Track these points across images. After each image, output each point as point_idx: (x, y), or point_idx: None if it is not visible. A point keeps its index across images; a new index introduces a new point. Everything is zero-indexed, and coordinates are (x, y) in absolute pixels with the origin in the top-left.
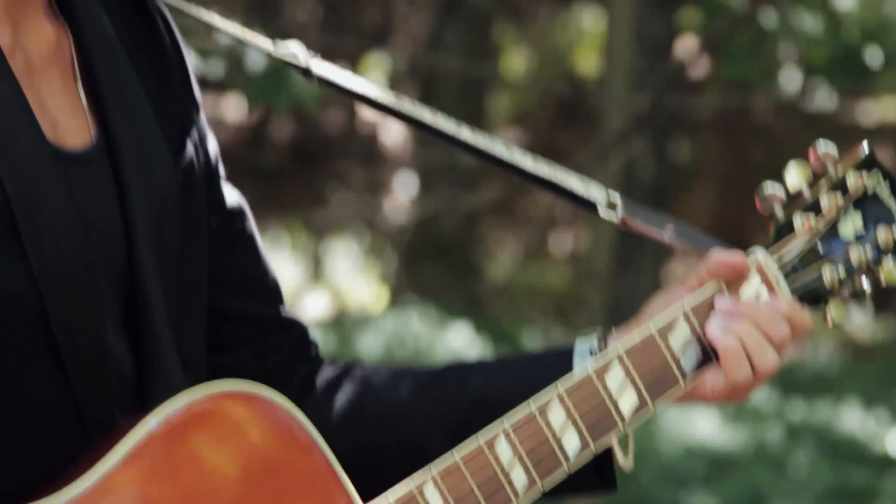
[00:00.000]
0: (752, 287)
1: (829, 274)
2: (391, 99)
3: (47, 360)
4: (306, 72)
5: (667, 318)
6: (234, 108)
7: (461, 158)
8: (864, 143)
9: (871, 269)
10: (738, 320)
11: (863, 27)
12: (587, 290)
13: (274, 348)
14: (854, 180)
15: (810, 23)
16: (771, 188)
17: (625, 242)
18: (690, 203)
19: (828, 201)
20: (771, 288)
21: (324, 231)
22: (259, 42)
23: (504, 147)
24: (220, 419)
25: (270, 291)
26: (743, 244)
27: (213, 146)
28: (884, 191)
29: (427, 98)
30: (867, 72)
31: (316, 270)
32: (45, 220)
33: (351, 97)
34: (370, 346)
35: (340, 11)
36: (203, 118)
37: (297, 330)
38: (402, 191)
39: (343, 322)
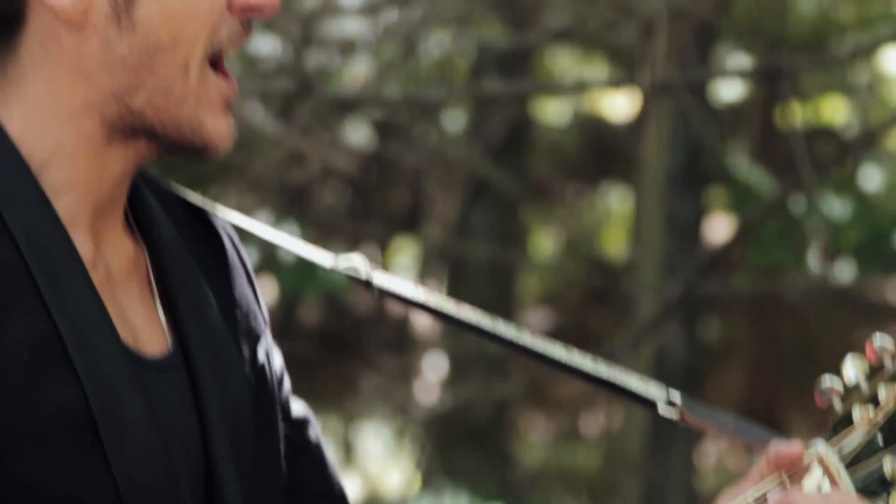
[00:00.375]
0: (814, 479)
1: (891, 464)
2: (452, 307)
3: None
4: (367, 284)
5: None
6: (264, 294)
7: (491, 345)
8: None
9: None
10: None
11: (890, 211)
12: (620, 474)
13: None
14: None
15: (839, 207)
16: (829, 382)
17: (656, 426)
18: (721, 382)
19: (886, 393)
20: (833, 479)
21: (354, 416)
22: (320, 256)
23: (566, 352)
24: None
25: (337, 498)
26: (774, 421)
27: (278, 359)
28: None
29: (456, 281)
30: (893, 254)
31: (347, 455)
32: (127, 428)
33: (413, 307)
34: None
35: (369, 195)
36: (269, 333)
37: None
38: (433, 374)
39: None
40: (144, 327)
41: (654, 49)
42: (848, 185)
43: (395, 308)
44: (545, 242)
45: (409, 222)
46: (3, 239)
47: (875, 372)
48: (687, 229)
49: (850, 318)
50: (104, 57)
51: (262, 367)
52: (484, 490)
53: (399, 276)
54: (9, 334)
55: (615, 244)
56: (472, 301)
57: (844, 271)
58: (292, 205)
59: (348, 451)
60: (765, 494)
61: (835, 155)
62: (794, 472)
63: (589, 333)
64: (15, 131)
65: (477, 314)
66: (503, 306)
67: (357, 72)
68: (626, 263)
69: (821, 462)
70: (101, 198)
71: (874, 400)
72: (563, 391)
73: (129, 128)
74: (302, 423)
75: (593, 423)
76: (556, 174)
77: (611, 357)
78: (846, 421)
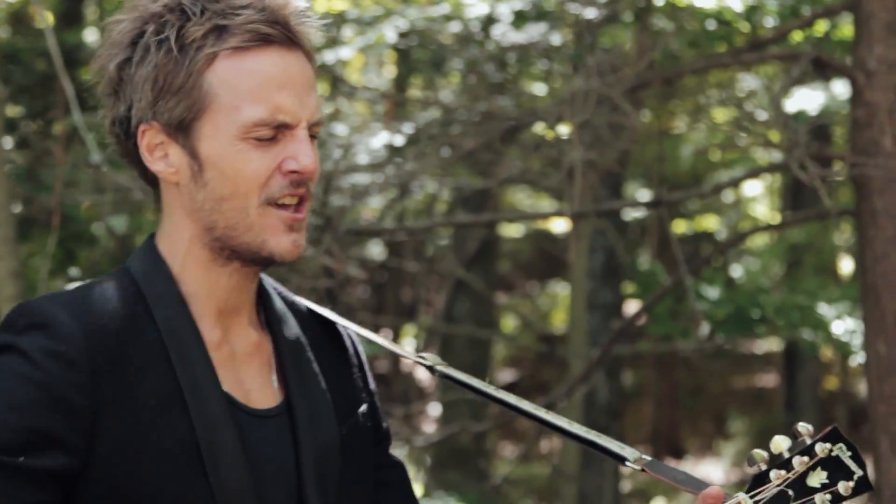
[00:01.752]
0: None
1: None
2: (496, 390)
3: None
4: (430, 368)
5: None
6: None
7: (471, 393)
8: (835, 425)
9: None
10: None
11: (748, 293)
12: (561, 484)
13: None
14: (820, 447)
15: (712, 292)
16: (759, 451)
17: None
18: (636, 417)
19: (798, 461)
20: None
21: None
22: (398, 348)
23: (567, 421)
24: None
25: None
26: (675, 442)
27: (385, 423)
28: (845, 455)
29: (446, 352)
30: (752, 322)
31: None
32: (223, 455)
33: (465, 388)
34: None
35: (383, 294)
36: (377, 402)
37: None
38: (430, 415)
39: None
40: (258, 390)
41: (574, 189)
42: (720, 276)
43: (404, 368)
44: (509, 322)
45: (412, 312)
46: (149, 325)
47: (795, 446)
48: (606, 311)
49: (727, 366)
50: (193, 203)
51: (356, 423)
52: (468, 498)
53: (456, 369)
54: (144, 387)
55: (558, 322)
56: (458, 365)
57: (719, 336)
58: (327, 303)
59: None
60: None
61: (710, 253)
62: None
63: (540, 384)
64: (164, 252)
65: (505, 392)
66: (481, 368)
67: (366, 209)
68: (564, 335)
69: None
70: (223, 302)
71: (788, 465)
72: (523, 425)
73: (221, 251)
74: (396, 468)
75: (543, 446)
76: (515, 273)
77: (552, 402)
78: (764, 478)
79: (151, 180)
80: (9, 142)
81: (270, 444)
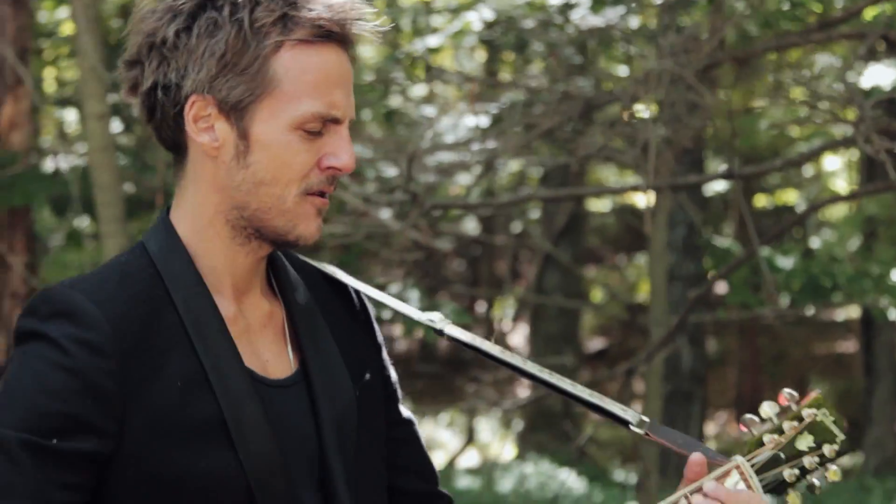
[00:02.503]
0: (733, 480)
1: (788, 473)
2: (501, 351)
3: None
4: (440, 332)
5: (672, 498)
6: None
7: (561, 358)
8: (817, 389)
9: (819, 470)
10: (709, 499)
11: (822, 263)
12: (641, 442)
13: None
14: (807, 413)
15: (787, 262)
16: (750, 416)
17: (670, 407)
18: (720, 383)
19: (788, 426)
20: (747, 481)
21: (471, 412)
22: (412, 311)
23: (570, 383)
24: None
25: (431, 475)
26: (757, 410)
27: (393, 376)
28: (828, 420)
29: (537, 322)
30: (825, 291)
31: (469, 436)
32: (249, 428)
33: (474, 351)
34: (506, 485)
35: (477, 267)
36: (385, 357)
37: (447, 501)
38: (522, 380)
39: (487, 470)
40: (274, 360)
41: (648, 164)
42: (798, 246)
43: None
44: (597, 293)
45: (505, 284)
46: (169, 308)
47: (783, 412)
48: (688, 282)
49: (808, 333)
50: (228, 181)
51: (369, 383)
52: (557, 457)
53: (466, 329)
54: (168, 370)
55: (644, 292)
56: (549, 334)
57: (797, 304)
58: (423, 277)
59: (470, 433)
60: (700, 486)
61: (783, 225)
62: (718, 476)
63: (627, 352)
64: (181, 230)
65: (513, 355)
66: (570, 337)
67: (455, 187)
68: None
69: (738, 469)
70: (238, 278)
71: (780, 430)
72: (610, 388)
73: (244, 230)
74: (408, 423)
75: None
76: (603, 247)
77: (633, 367)
78: (758, 443)
79: (174, 147)
80: (117, 125)
81: (291, 414)
